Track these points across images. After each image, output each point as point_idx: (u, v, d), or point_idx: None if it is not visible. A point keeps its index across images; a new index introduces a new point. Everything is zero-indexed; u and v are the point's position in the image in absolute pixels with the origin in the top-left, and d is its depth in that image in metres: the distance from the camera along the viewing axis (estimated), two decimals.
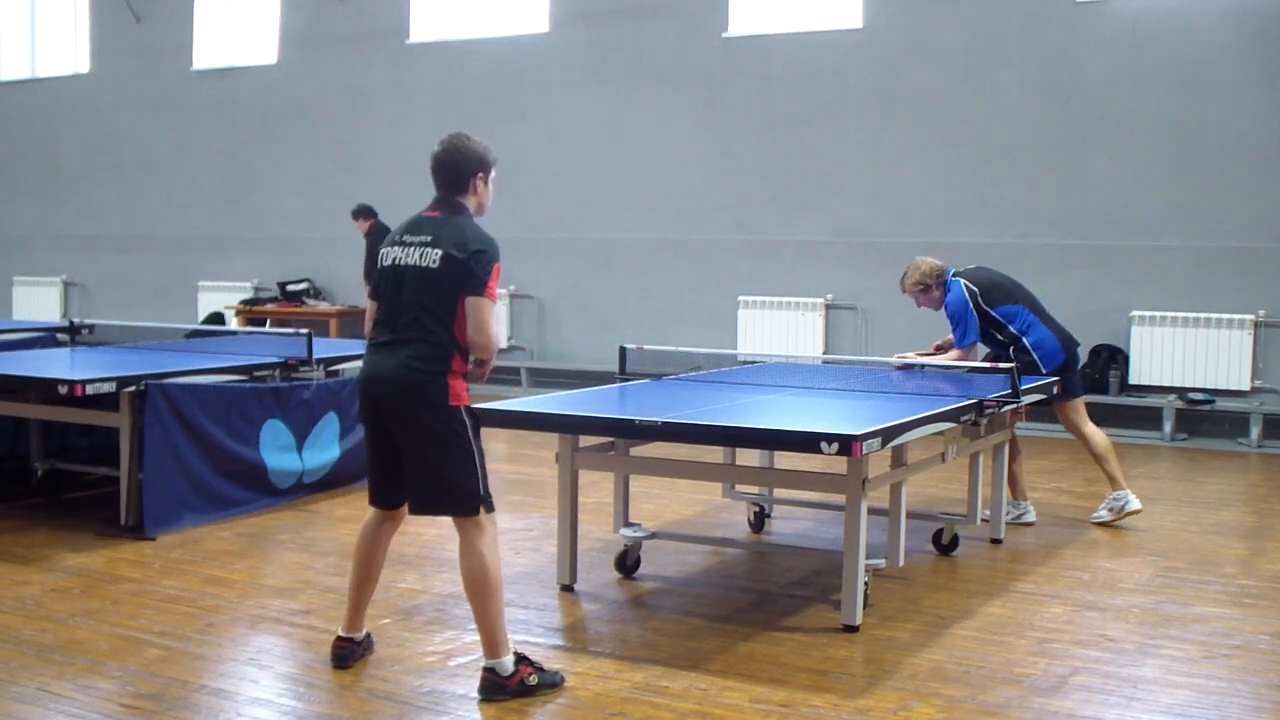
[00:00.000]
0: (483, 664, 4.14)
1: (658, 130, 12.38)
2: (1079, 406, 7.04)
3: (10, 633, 4.73)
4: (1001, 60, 10.95)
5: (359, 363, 7.97)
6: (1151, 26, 10.41)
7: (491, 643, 4.11)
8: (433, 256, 4.09)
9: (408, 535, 6.26)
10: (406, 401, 4.08)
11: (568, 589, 5.43)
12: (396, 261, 4.19)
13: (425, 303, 4.09)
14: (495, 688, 4.09)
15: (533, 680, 4.11)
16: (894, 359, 7.15)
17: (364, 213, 12.47)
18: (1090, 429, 7.04)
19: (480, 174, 4.28)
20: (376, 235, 12.26)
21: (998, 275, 7.05)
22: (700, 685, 4.27)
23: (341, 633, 4.44)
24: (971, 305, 6.81)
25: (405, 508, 4.32)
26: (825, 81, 11.60)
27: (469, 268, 4.06)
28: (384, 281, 4.22)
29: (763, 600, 5.39)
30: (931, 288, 6.96)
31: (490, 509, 4.15)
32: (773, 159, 11.87)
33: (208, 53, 15.04)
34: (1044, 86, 10.79)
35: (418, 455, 4.12)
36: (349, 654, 4.40)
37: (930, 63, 11.18)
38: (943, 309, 6.97)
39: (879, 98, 11.41)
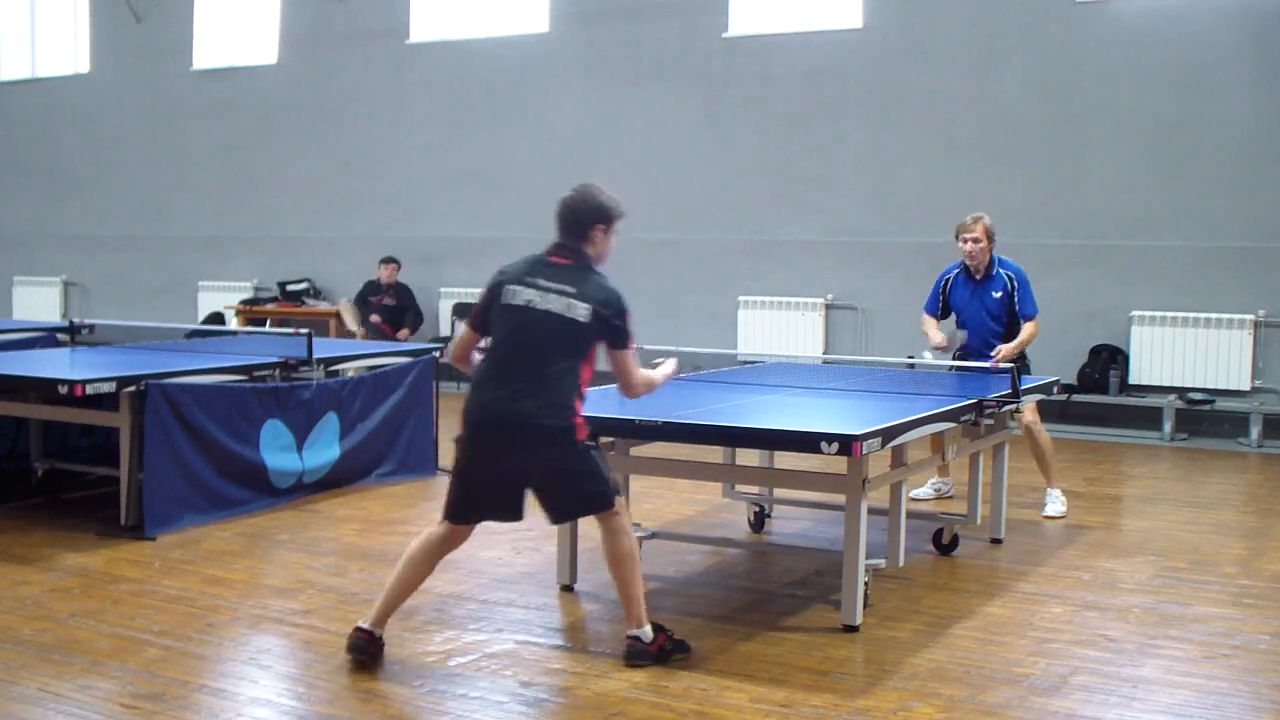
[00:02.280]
0: (626, 633, 4.44)
1: (658, 130, 12.37)
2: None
3: (10, 633, 4.73)
4: (1001, 60, 10.95)
5: (358, 363, 8.07)
6: (1151, 26, 10.42)
7: (637, 613, 4.41)
8: (580, 311, 4.28)
9: (407, 535, 6.24)
10: (546, 448, 4.26)
11: (568, 589, 5.43)
12: (531, 304, 4.31)
13: (562, 351, 4.27)
14: (641, 654, 4.39)
15: (669, 645, 4.44)
16: (993, 363, 6.91)
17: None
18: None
19: (602, 225, 4.44)
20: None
21: None
22: (700, 685, 4.27)
23: (364, 624, 4.43)
24: None
25: (471, 533, 4.52)
26: (825, 81, 11.60)
27: (613, 324, 4.32)
28: (508, 319, 4.33)
29: (763, 600, 5.39)
30: (990, 244, 7.10)
31: (619, 493, 4.45)
32: (773, 159, 11.87)
33: (208, 53, 15.04)
34: (1044, 86, 10.80)
35: (559, 485, 4.38)
36: (366, 647, 4.40)
37: (930, 63, 11.18)
38: (989, 275, 7.10)
39: (879, 98, 11.42)
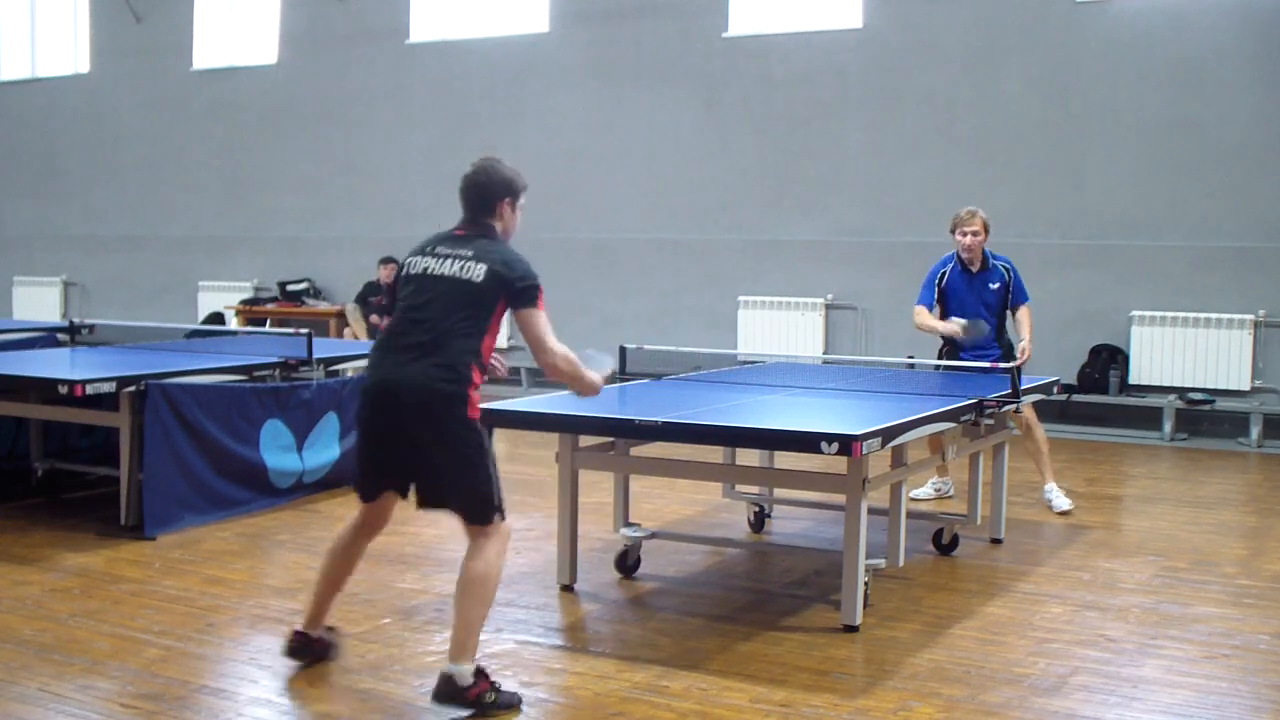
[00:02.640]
0: (443, 668, 4.00)
1: (658, 130, 12.37)
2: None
3: (10, 633, 4.73)
4: (1001, 60, 10.95)
5: (359, 363, 8.06)
6: (1152, 26, 10.42)
7: (462, 647, 3.97)
8: (476, 270, 4.09)
9: (407, 535, 6.26)
10: (432, 411, 4.04)
11: (568, 589, 5.43)
12: (429, 270, 4.16)
13: (458, 314, 4.07)
14: (449, 696, 3.95)
15: (489, 698, 3.96)
16: (1026, 356, 7.01)
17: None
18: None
19: (508, 199, 4.28)
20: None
21: None
22: (700, 685, 4.27)
23: (299, 627, 4.39)
24: None
25: (388, 516, 4.35)
26: (825, 81, 11.60)
27: (516, 286, 4.10)
28: (408, 288, 4.19)
29: (763, 600, 5.39)
30: (986, 236, 7.17)
31: (504, 518, 4.12)
32: (773, 159, 11.87)
33: (208, 53, 15.03)
34: (1044, 86, 10.79)
35: (437, 461, 4.08)
36: (302, 648, 4.35)
37: (930, 63, 11.18)
38: (979, 266, 7.19)
39: (879, 98, 11.41)
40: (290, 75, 14.43)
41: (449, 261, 4.14)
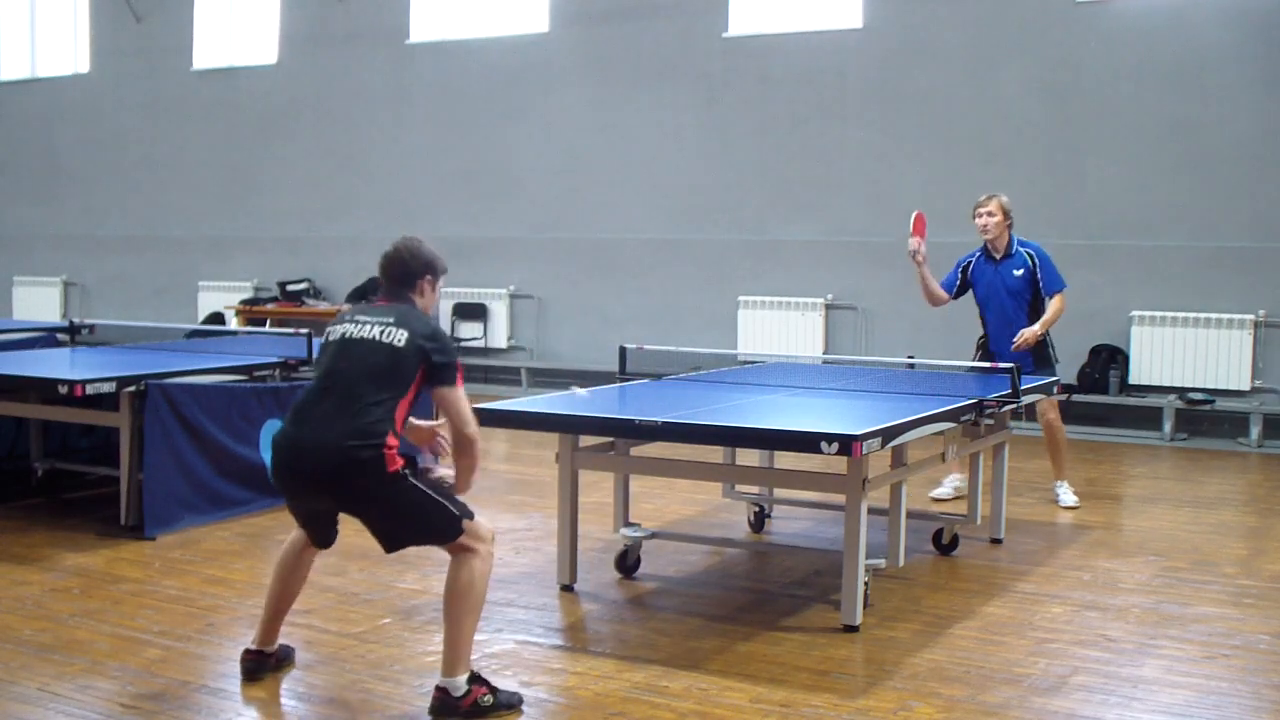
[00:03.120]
0: (437, 681, 3.98)
1: (658, 130, 12.37)
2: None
3: (10, 633, 4.73)
4: (1001, 60, 10.95)
5: None
6: (1151, 26, 10.42)
7: (453, 659, 3.95)
8: (398, 335, 4.01)
9: None
10: (352, 480, 3.93)
11: (568, 589, 5.43)
12: (347, 335, 4.10)
13: (372, 378, 3.97)
14: (447, 709, 3.93)
15: (487, 700, 3.95)
16: (1022, 340, 7.10)
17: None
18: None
19: (429, 276, 4.26)
20: None
21: None
22: (700, 685, 4.27)
23: (252, 645, 4.31)
24: None
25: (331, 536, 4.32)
26: (825, 81, 11.60)
27: (436, 360, 4.01)
28: (324, 354, 4.13)
29: (763, 600, 5.39)
30: (1006, 220, 7.22)
31: (470, 518, 4.02)
32: (773, 159, 11.87)
33: (208, 53, 15.03)
34: (1044, 86, 10.79)
35: (374, 517, 4.02)
36: (259, 666, 4.29)
37: (930, 63, 11.18)
38: (1006, 254, 7.24)
39: (879, 98, 11.41)
40: (290, 75, 14.43)
41: (369, 326, 4.06)
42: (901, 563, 5.41)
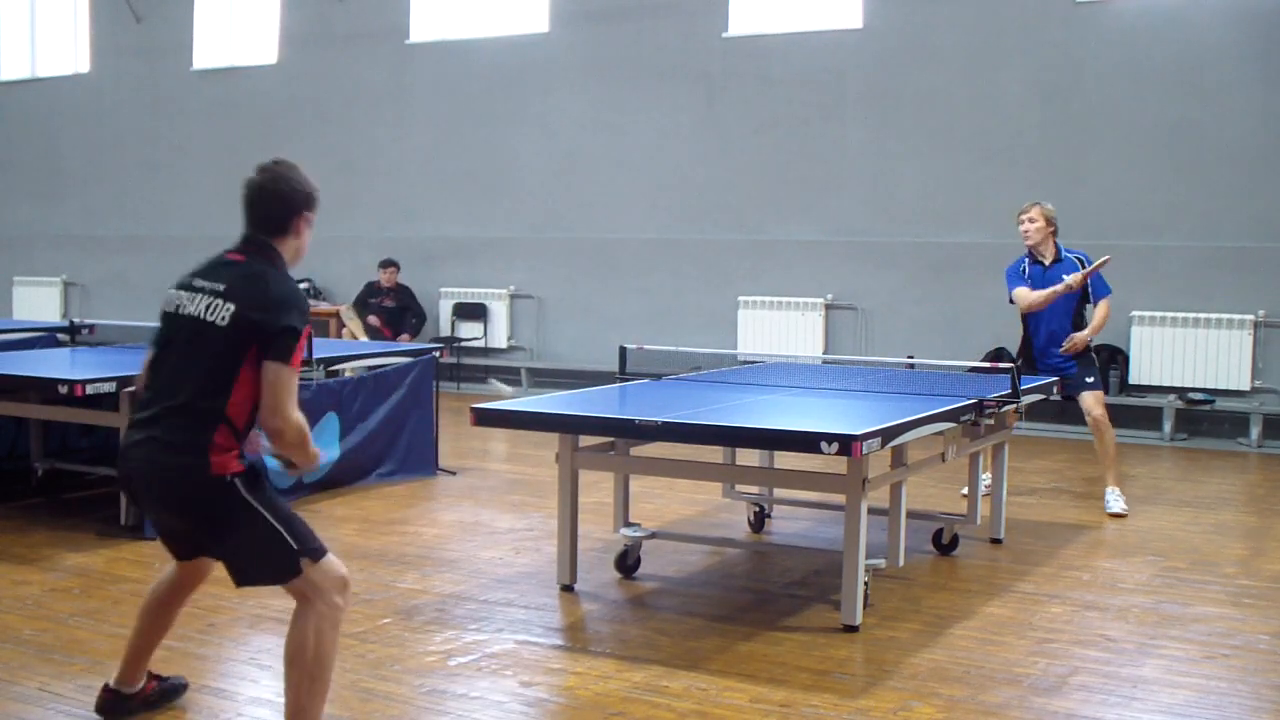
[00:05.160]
0: None
1: (658, 130, 12.38)
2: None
3: (10, 633, 4.73)
4: (1001, 60, 10.95)
5: (359, 363, 8.07)
6: (1151, 26, 10.42)
7: None
8: (222, 312, 3.34)
9: (407, 535, 6.27)
10: (172, 492, 3.41)
11: (568, 589, 5.43)
12: (179, 309, 3.45)
13: (194, 366, 3.36)
14: None
15: None
16: (1072, 345, 7.22)
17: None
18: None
19: (305, 213, 3.58)
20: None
21: None
22: (700, 685, 4.27)
23: (109, 683, 3.85)
24: None
25: (206, 571, 3.81)
26: (825, 81, 11.60)
27: (267, 332, 3.31)
28: (158, 334, 3.51)
29: (763, 600, 5.39)
30: (1050, 228, 7.31)
31: (317, 558, 3.43)
32: (773, 159, 11.87)
33: (208, 53, 15.04)
34: (1044, 86, 10.79)
35: (203, 540, 3.51)
36: (115, 708, 3.82)
37: (930, 63, 11.18)
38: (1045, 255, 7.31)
39: (879, 98, 11.41)
40: (290, 75, 14.43)
41: (199, 298, 3.40)
42: (901, 563, 5.41)
